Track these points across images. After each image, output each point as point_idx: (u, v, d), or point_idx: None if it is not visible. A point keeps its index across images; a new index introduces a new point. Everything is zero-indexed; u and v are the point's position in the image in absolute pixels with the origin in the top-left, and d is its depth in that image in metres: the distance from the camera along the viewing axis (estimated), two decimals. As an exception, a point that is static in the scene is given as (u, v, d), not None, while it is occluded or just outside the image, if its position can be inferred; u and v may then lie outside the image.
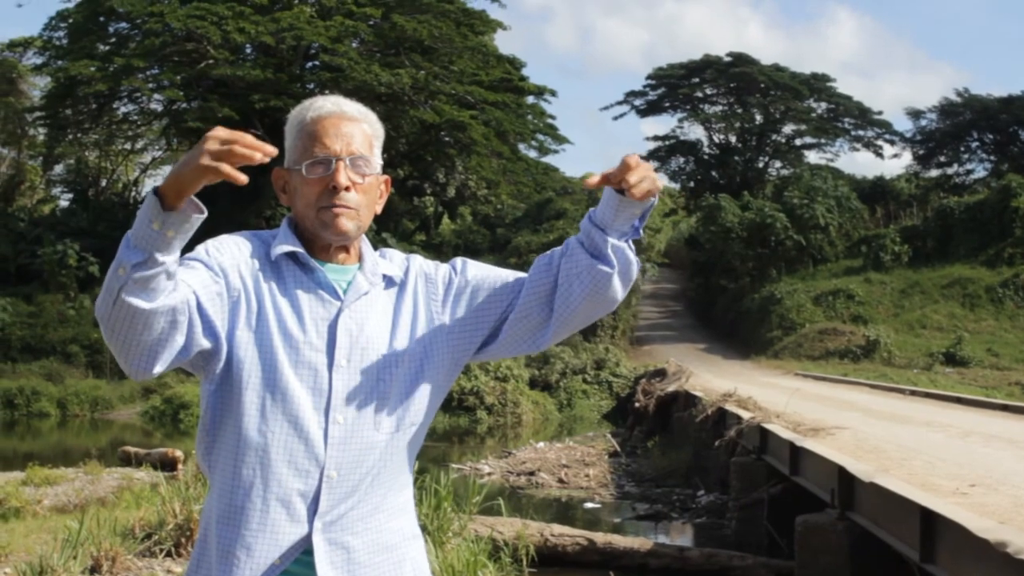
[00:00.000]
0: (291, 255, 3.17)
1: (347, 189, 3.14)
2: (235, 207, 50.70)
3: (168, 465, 21.68)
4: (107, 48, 55.28)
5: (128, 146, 66.83)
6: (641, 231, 3.17)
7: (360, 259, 3.25)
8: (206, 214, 2.78)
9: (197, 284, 2.94)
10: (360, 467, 3.09)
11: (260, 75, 50.63)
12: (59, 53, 56.23)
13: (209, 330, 2.98)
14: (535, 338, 3.28)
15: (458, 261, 3.40)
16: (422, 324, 3.25)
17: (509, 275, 3.34)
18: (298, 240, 3.19)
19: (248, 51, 55.48)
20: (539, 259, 3.28)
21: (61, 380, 43.31)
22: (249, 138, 2.66)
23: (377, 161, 3.26)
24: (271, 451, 3.04)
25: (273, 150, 2.68)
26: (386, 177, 3.34)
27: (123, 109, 60.73)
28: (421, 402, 3.20)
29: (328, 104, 3.23)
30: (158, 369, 2.89)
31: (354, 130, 3.20)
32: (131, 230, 2.72)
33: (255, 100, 49.82)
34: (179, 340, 2.89)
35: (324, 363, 3.08)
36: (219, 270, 3.04)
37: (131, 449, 24.57)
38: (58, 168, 68.30)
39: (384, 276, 3.26)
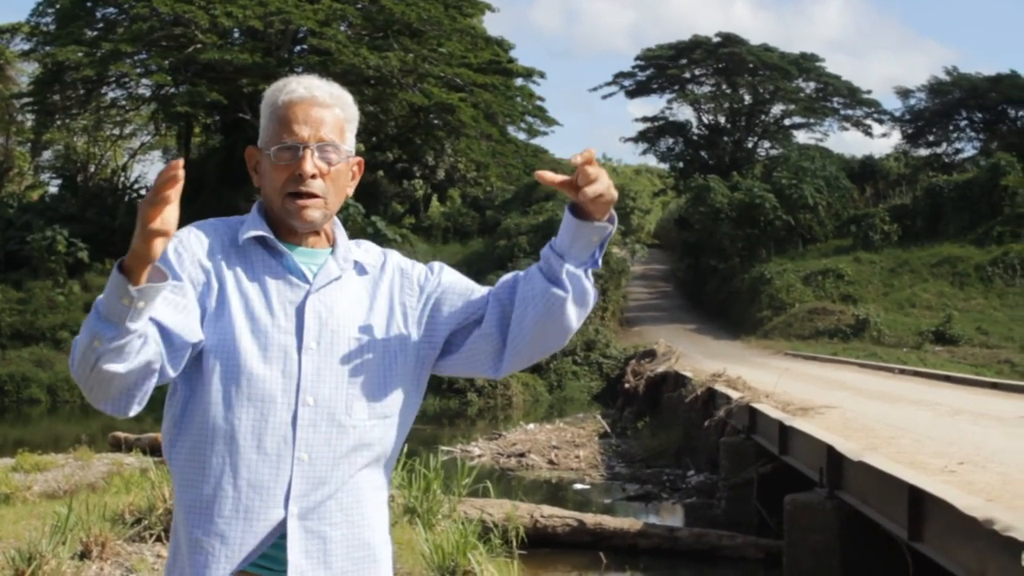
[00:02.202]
0: (259, 239, 3.18)
1: (313, 176, 3.14)
2: (222, 191, 50.73)
3: (158, 450, 21.62)
4: (95, 33, 55.17)
5: (116, 131, 66.86)
6: (599, 261, 3.15)
7: (332, 243, 3.26)
8: (169, 277, 2.83)
9: (160, 315, 2.93)
10: (332, 451, 3.08)
11: (248, 59, 50.52)
12: (47, 39, 56.16)
13: (176, 358, 2.99)
14: (494, 362, 3.28)
15: (435, 264, 3.40)
16: (397, 316, 3.25)
17: (478, 288, 3.35)
18: (267, 224, 3.20)
19: (236, 35, 55.36)
20: (504, 278, 3.30)
21: (51, 366, 43.23)
22: (162, 176, 2.67)
23: (348, 146, 3.25)
24: (239, 437, 3.03)
25: (176, 166, 2.67)
26: (358, 159, 3.33)
27: (111, 94, 60.65)
28: (394, 394, 3.19)
29: (300, 88, 3.22)
30: (133, 411, 2.96)
31: (325, 115, 3.19)
32: (100, 301, 2.78)
33: (243, 84, 49.70)
34: (152, 382, 2.95)
35: (293, 345, 3.08)
36: (178, 270, 3.07)
37: (121, 435, 24.58)
38: (46, 154, 68.41)
39: (355, 263, 3.26)
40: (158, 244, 2.69)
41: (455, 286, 3.32)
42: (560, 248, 3.10)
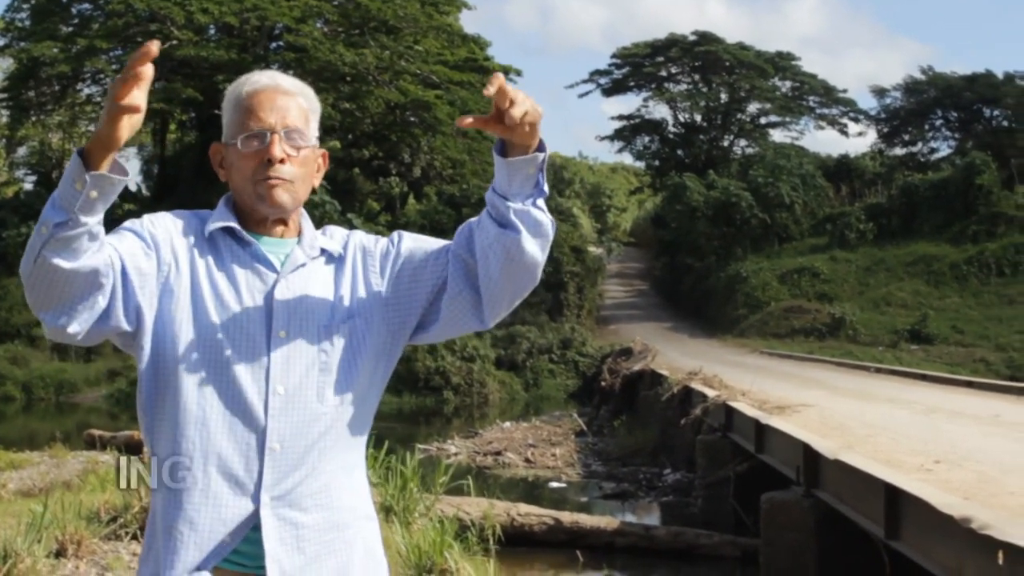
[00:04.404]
0: (227, 230, 3.17)
1: (282, 161, 3.13)
2: (198, 187, 50.51)
3: (134, 448, 21.56)
4: (70, 29, 54.98)
5: (92, 128, 66.41)
6: (546, 188, 3.07)
7: (299, 233, 3.25)
8: (128, 176, 2.77)
9: (126, 253, 2.94)
10: (304, 438, 3.07)
11: (224, 56, 50.41)
12: (22, 34, 55.89)
13: (131, 304, 2.97)
14: (476, 316, 3.22)
15: (396, 234, 3.36)
16: (362, 296, 3.22)
17: (438, 246, 3.28)
18: (234, 216, 3.19)
19: (212, 32, 55.18)
20: (459, 231, 3.24)
21: (26, 364, 43.05)
22: (137, 52, 2.65)
23: (313, 134, 3.24)
24: (210, 425, 3.02)
25: (151, 45, 2.65)
26: (323, 151, 3.32)
27: (86, 91, 60.44)
28: (364, 375, 3.18)
29: (264, 78, 3.24)
30: (73, 328, 2.88)
31: (289, 104, 3.20)
32: (56, 190, 2.72)
33: (219, 80, 49.42)
34: (100, 303, 2.89)
35: (262, 334, 3.07)
36: (151, 242, 3.05)
37: (96, 432, 24.47)
38: (21, 151, 68.10)
39: (323, 250, 3.24)
40: (125, 125, 2.66)
41: (415, 253, 3.28)
42: (501, 189, 3.03)
